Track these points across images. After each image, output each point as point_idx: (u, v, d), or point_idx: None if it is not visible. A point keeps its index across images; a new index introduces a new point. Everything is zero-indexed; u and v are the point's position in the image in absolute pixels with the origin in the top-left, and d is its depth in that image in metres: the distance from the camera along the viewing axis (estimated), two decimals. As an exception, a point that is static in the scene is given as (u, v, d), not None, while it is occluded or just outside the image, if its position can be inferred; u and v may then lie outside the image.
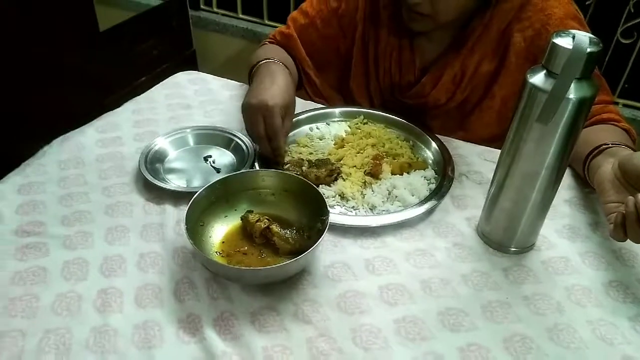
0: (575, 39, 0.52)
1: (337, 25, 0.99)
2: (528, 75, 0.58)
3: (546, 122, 0.56)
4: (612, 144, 0.72)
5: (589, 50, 0.52)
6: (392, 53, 0.97)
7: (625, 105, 1.74)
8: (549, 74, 0.56)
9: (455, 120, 0.98)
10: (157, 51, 1.98)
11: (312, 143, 0.89)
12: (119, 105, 0.99)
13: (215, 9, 2.31)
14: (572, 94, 0.55)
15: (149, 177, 0.77)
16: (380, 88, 1.02)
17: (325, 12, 0.99)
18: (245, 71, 1.01)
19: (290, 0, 2.08)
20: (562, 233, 0.73)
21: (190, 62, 2.18)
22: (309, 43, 1.01)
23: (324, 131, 0.92)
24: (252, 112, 0.78)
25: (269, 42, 1.05)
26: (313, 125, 0.94)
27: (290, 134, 0.90)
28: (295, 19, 1.02)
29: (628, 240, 0.59)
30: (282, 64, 0.90)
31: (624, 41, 1.65)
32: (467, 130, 0.97)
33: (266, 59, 0.90)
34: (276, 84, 0.81)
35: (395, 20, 0.94)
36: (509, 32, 0.88)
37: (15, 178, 0.80)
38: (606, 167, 0.67)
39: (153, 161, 0.82)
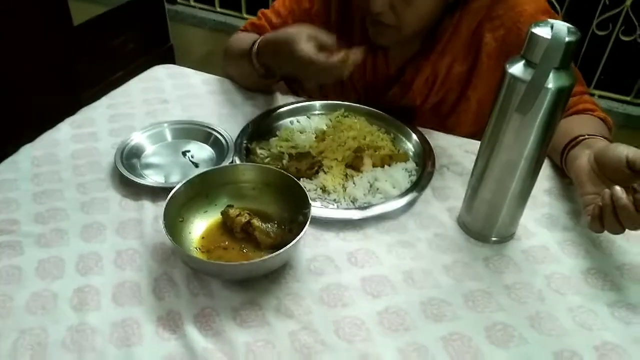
0: (554, 29, 0.53)
1: None
2: (507, 66, 0.58)
3: (525, 111, 0.57)
4: (588, 135, 0.73)
5: (567, 39, 0.52)
6: (366, 57, 0.96)
7: (600, 97, 1.77)
8: (528, 64, 0.56)
9: (433, 122, 0.98)
10: (133, 45, 1.95)
11: (293, 136, 0.88)
12: (94, 101, 0.97)
13: (192, 3, 2.29)
14: (551, 83, 0.55)
15: (125, 173, 0.76)
16: (356, 91, 1.02)
17: (298, 13, 0.98)
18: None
19: (269, -7, 2.07)
20: (541, 222, 0.74)
21: (167, 57, 2.15)
22: None
23: (305, 124, 0.92)
24: (302, 34, 0.74)
25: (240, 32, 1.04)
26: (294, 119, 0.94)
27: (270, 128, 0.90)
28: (267, 16, 1.00)
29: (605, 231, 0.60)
30: None
31: (599, 33, 1.68)
32: (445, 130, 0.97)
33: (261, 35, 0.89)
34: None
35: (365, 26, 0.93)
36: (479, 33, 0.87)
37: (-14, 176, 0.77)
38: (583, 159, 0.68)
39: (130, 156, 0.81)
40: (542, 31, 0.54)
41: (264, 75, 0.91)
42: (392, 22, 0.82)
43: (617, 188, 0.56)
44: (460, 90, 0.93)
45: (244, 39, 0.97)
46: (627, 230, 0.59)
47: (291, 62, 0.75)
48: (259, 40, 0.88)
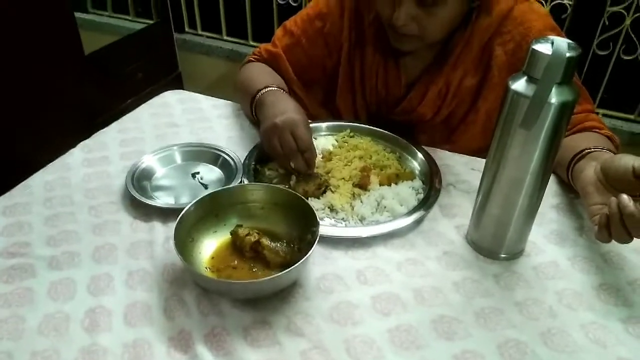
0: (555, 45, 0.54)
1: (322, 45, 1.00)
2: (510, 82, 0.59)
3: (529, 127, 0.57)
4: (594, 148, 0.73)
5: (568, 55, 0.53)
6: (378, 70, 0.98)
7: (604, 115, 1.78)
8: (530, 80, 0.57)
9: (441, 134, 0.99)
10: (142, 74, 1.99)
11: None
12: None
13: (200, 32, 2.34)
14: (554, 98, 0.56)
15: (136, 195, 0.77)
16: (366, 105, 1.03)
17: (310, 32, 1.00)
18: (231, 90, 1.01)
19: (274, 20, 2.11)
20: (550, 238, 0.74)
21: (176, 84, 2.19)
22: (295, 62, 1.02)
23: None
24: (281, 130, 0.79)
25: (254, 59, 1.06)
26: (300, 140, 0.95)
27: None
28: (281, 38, 1.02)
29: (613, 241, 0.60)
30: (283, 90, 0.92)
31: (600, 53, 1.70)
32: (453, 144, 0.98)
33: (267, 86, 0.91)
34: (291, 104, 0.84)
35: (380, 38, 0.95)
36: (490, 47, 0.89)
37: (-1, 200, 0.79)
38: (589, 170, 0.68)
39: (140, 179, 0.82)
40: (543, 47, 0.55)
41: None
42: (415, 33, 0.84)
43: (624, 196, 0.56)
44: (471, 102, 0.94)
45: (254, 76, 0.98)
46: (635, 239, 0.58)
47: (284, 132, 0.79)
48: (259, 95, 0.90)
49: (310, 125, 0.96)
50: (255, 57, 1.06)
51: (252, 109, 0.93)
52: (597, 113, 1.74)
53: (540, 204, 0.67)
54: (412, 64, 0.96)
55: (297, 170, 0.80)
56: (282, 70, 1.02)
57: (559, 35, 0.88)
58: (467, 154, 0.93)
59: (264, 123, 0.82)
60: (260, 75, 0.98)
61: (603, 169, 0.65)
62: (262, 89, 0.90)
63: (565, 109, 0.57)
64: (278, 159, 0.82)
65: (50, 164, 0.88)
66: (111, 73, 1.87)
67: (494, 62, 0.89)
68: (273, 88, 0.90)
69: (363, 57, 0.98)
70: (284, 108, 0.82)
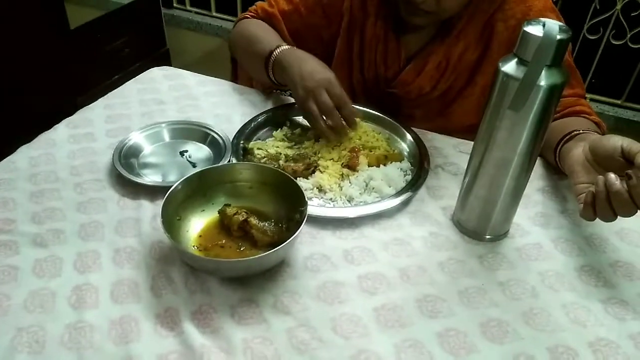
0: (546, 27, 0.54)
1: (321, 14, 0.99)
2: (500, 64, 0.59)
3: (518, 109, 0.58)
4: (582, 130, 0.74)
5: (558, 37, 0.53)
6: (377, 45, 0.97)
7: (592, 100, 1.79)
8: (521, 62, 0.57)
9: (437, 108, 0.99)
10: (129, 49, 1.95)
11: (289, 137, 0.89)
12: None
13: (188, 7, 2.30)
14: (543, 81, 0.56)
15: (124, 172, 0.76)
16: (363, 79, 1.02)
17: (310, 1, 0.98)
18: (220, 68, 0.99)
19: (265, -3, 2.07)
20: (534, 220, 0.75)
21: (163, 61, 2.15)
22: (292, 30, 1.00)
23: (301, 124, 0.92)
24: (316, 89, 0.80)
25: (250, 16, 1.04)
26: (290, 119, 0.94)
27: (266, 128, 0.91)
28: (279, 3, 1.01)
29: (598, 221, 0.61)
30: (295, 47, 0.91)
31: (590, 37, 1.70)
32: (447, 117, 0.98)
33: (279, 45, 0.90)
34: (317, 62, 0.85)
35: (382, 11, 0.94)
36: (492, 22, 0.90)
37: (-17, 175, 0.77)
38: (577, 150, 0.68)
39: (127, 156, 0.81)
40: (534, 29, 0.55)
41: (278, 85, 0.93)
42: (432, 9, 0.83)
43: (611, 174, 0.57)
44: (469, 76, 0.94)
45: (258, 34, 0.97)
46: (619, 220, 0.59)
47: (319, 91, 0.81)
48: (274, 56, 0.89)
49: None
50: (251, 14, 1.04)
51: (268, 71, 0.91)
52: (586, 98, 1.75)
53: (526, 185, 0.68)
54: (413, 39, 0.96)
55: (336, 128, 0.82)
56: (278, 31, 1.00)
57: (557, 16, 0.89)
58: (459, 130, 0.93)
59: (296, 86, 0.83)
60: (266, 33, 0.97)
61: (591, 148, 0.65)
62: (275, 49, 0.89)
63: (554, 92, 0.57)
64: (315, 121, 0.82)
65: (35, 139, 0.86)
66: (97, 48, 1.83)
67: (495, 37, 0.90)
68: (286, 47, 0.90)
69: (363, 31, 0.97)
70: (311, 68, 0.83)
